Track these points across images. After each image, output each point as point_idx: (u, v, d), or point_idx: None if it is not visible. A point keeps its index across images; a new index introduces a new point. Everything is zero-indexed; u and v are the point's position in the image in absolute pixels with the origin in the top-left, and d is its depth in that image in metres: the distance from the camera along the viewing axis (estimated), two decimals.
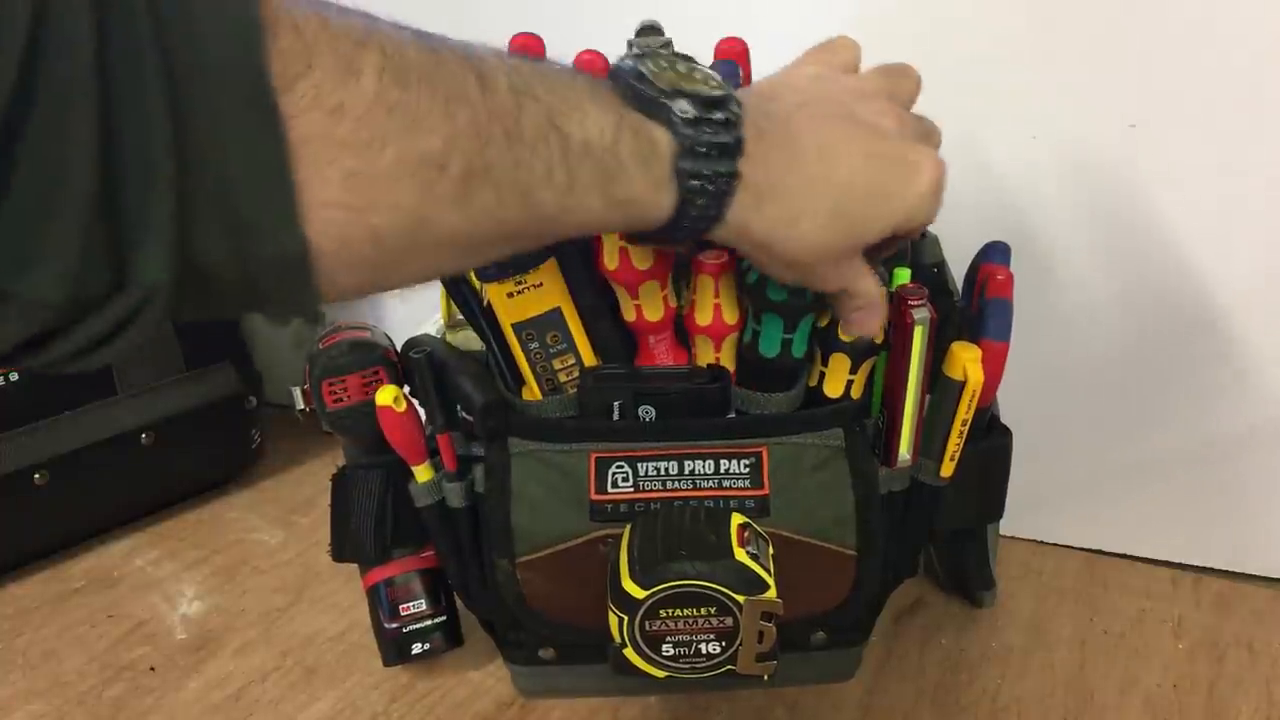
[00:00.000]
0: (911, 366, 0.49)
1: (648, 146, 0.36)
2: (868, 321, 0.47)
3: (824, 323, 0.50)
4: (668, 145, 0.37)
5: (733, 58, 0.53)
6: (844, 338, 0.50)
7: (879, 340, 0.50)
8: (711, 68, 0.41)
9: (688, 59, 0.40)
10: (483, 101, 0.32)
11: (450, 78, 0.32)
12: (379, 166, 0.30)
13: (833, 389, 0.51)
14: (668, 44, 0.53)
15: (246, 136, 0.27)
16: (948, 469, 0.52)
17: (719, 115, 0.37)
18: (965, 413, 0.50)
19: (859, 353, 0.50)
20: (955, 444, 0.51)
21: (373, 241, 0.31)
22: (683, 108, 0.37)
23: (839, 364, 0.50)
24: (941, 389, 0.51)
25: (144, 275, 0.27)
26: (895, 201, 0.42)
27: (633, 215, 0.37)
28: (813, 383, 0.52)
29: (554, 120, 0.34)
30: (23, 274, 0.25)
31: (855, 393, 0.51)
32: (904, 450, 0.51)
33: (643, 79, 0.37)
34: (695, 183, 0.37)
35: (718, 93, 0.38)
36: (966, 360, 0.49)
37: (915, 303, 0.48)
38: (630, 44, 0.53)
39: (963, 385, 0.50)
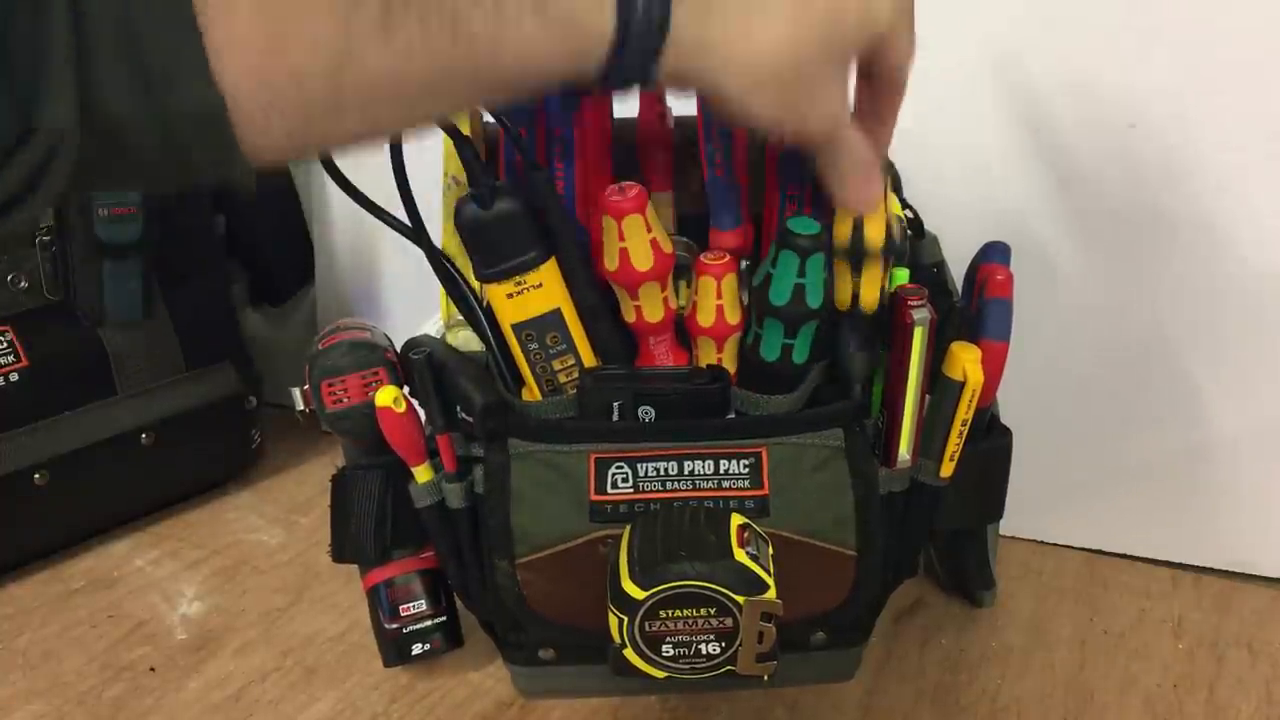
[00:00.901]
0: (911, 367, 0.49)
1: None
2: (865, 183, 0.44)
3: (845, 303, 0.49)
4: None
5: None
6: (865, 307, 0.48)
7: (872, 208, 0.46)
8: None
9: None
10: None
11: None
12: None
13: (840, 300, 0.49)
14: None
15: None
16: (947, 469, 0.52)
17: None
18: (965, 413, 0.50)
19: (856, 255, 0.47)
20: (955, 444, 0.51)
21: (294, 83, 0.30)
22: None
23: (841, 270, 0.48)
24: (941, 389, 0.51)
25: (48, 121, 0.26)
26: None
27: (576, 39, 0.35)
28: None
29: None
30: None
31: (865, 303, 0.48)
32: (904, 451, 0.51)
33: None
34: None
35: None
36: (966, 360, 0.49)
37: (915, 303, 0.48)
38: None
39: (962, 385, 0.50)
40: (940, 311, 0.49)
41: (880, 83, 0.44)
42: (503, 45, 0.33)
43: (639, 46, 0.36)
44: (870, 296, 0.49)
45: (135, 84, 0.27)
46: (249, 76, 0.29)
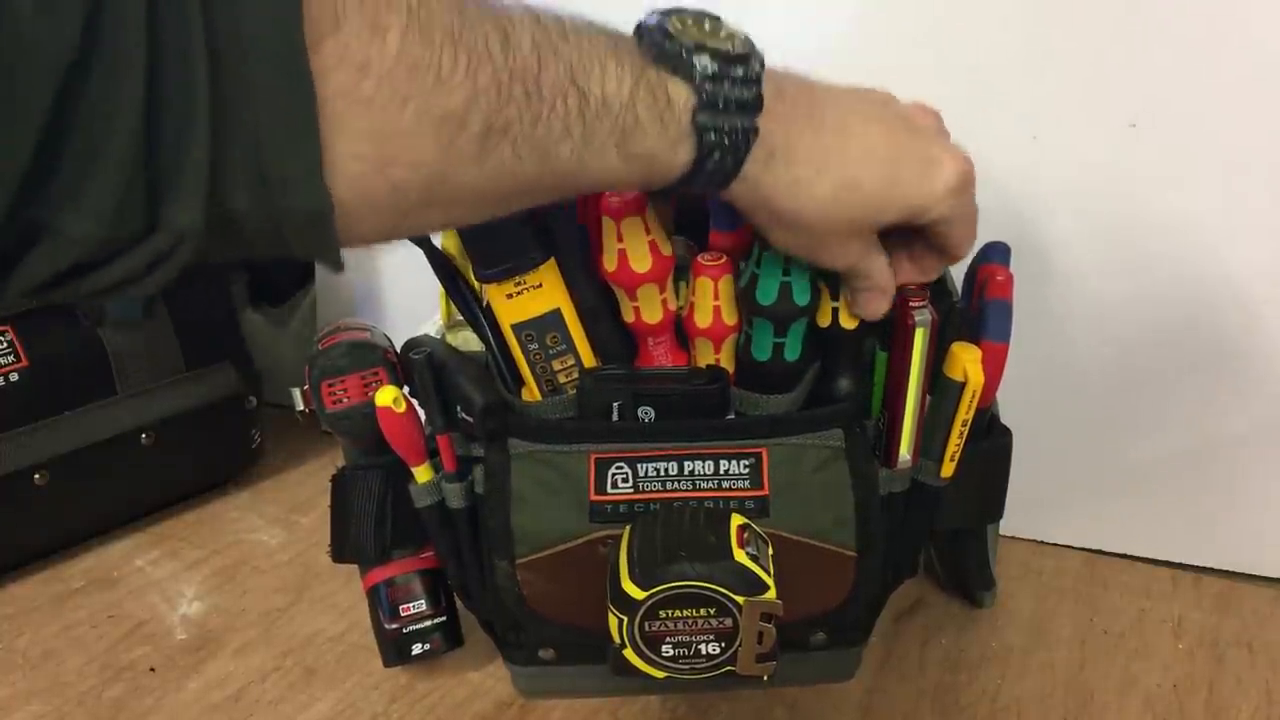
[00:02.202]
0: (912, 368, 0.49)
1: (664, 103, 0.37)
2: (874, 303, 0.47)
3: (824, 322, 0.50)
4: (686, 100, 0.38)
5: None
6: (845, 324, 0.49)
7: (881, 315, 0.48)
8: None
9: (714, 17, 0.40)
10: (505, 60, 0.33)
11: (474, 35, 0.32)
12: (400, 123, 0.31)
13: (820, 319, 0.50)
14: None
15: (278, 96, 0.29)
16: (948, 469, 0.52)
17: (739, 71, 0.38)
18: (965, 413, 0.50)
19: (835, 277, 0.48)
20: (955, 444, 0.51)
21: (392, 194, 0.32)
22: (704, 63, 0.38)
23: (823, 292, 0.50)
24: (942, 390, 0.51)
25: (176, 221, 0.29)
26: (908, 191, 0.43)
27: (649, 170, 0.38)
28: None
29: (574, 78, 0.35)
30: (65, 211, 0.27)
31: (845, 321, 0.50)
32: (904, 451, 0.51)
33: (667, 35, 0.38)
34: (712, 137, 0.38)
35: (740, 50, 0.39)
36: (967, 361, 0.49)
37: (916, 304, 0.48)
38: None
39: (963, 386, 0.49)
40: (941, 312, 0.49)
41: (927, 247, 0.47)
42: (585, 170, 0.36)
43: (708, 181, 0.40)
44: (851, 317, 0.50)
45: (257, 186, 0.30)
46: (353, 188, 0.32)
